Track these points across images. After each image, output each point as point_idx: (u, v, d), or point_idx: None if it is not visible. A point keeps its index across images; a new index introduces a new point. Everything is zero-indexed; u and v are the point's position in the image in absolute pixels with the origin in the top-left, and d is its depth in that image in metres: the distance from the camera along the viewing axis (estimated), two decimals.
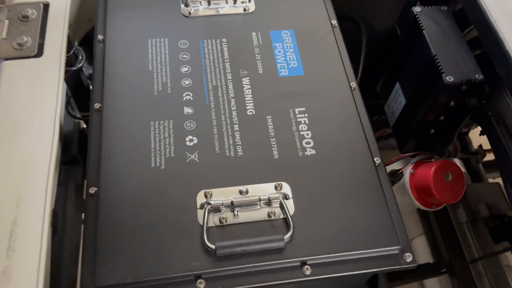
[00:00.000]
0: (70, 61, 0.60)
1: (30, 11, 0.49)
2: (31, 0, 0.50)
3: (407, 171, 0.61)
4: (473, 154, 0.93)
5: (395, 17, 0.71)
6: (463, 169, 0.84)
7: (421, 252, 0.79)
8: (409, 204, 0.63)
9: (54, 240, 0.61)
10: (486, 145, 0.91)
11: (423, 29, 0.55)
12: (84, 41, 0.88)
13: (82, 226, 0.47)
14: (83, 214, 0.73)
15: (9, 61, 0.46)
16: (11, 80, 0.45)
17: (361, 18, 0.80)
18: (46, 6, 0.51)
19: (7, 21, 0.48)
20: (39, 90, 0.45)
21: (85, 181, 0.49)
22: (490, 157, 0.92)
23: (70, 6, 0.53)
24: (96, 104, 0.53)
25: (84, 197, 0.68)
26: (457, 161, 0.85)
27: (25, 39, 0.47)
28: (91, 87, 0.72)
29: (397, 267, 0.46)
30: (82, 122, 0.76)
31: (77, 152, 0.71)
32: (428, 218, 0.77)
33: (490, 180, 0.91)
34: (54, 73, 0.45)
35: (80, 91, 0.69)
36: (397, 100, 0.63)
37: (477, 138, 0.89)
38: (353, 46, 0.80)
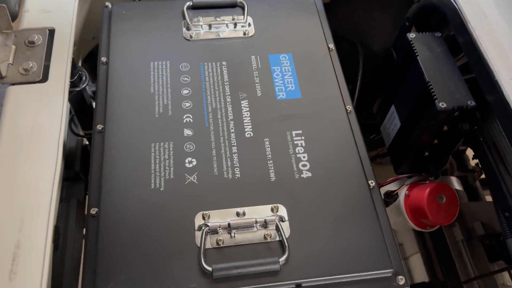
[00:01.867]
0: (74, 82, 0.61)
1: (36, 37, 0.51)
2: (37, 26, 0.52)
3: (402, 192, 0.63)
4: (470, 172, 0.94)
5: (391, 40, 0.72)
6: (459, 188, 0.86)
7: (417, 270, 0.80)
8: (404, 225, 0.64)
9: (56, 256, 0.62)
10: None
11: (417, 55, 0.56)
12: (88, 58, 0.90)
13: (83, 244, 0.49)
14: (84, 230, 0.75)
15: (15, 86, 0.48)
16: (17, 104, 0.46)
17: (358, 40, 0.82)
18: (52, 32, 0.52)
19: (14, 47, 0.50)
20: (44, 115, 0.46)
21: (87, 200, 0.51)
22: None
23: (75, 28, 0.55)
24: (98, 125, 0.54)
25: (86, 217, 0.69)
26: (453, 180, 0.86)
27: (31, 65, 0.49)
28: (94, 106, 0.74)
29: None
30: (85, 139, 0.78)
31: (79, 169, 0.72)
32: (424, 237, 0.78)
33: (487, 198, 0.92)
34: (59, 98, 0.47)
35: (83, 110, 0.71)
36: (392, 122, 0.64)
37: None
38: (350, 67, 0.82)
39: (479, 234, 0.78)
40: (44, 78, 0.49)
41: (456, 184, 0.85)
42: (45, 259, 0.38)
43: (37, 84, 0.48)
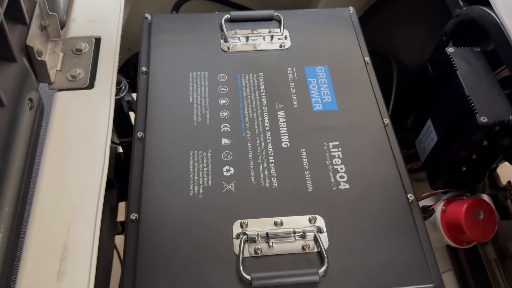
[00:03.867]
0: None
1: (83, 45, 0.53)
2: (84, 35, 0.54)
3: (439, 207, 0.62)
4: (501, 190, 0.92)
5: (425, 55, 0.72)
6: (492, 205, 0.84)
7: None
8: (439, 241, 0.63)
9: None
10: None
11: (457, 69, 0.56)
12: (123, 68, 0.92)
13: (121, 252, 0.49)
14: (115, 237, 0.76)
15: (63, 91, 0.49)
16: (65, 109, 0.48)
17: (391, 55, 0.82)
18: (98, 41, 0.54)
19: (61, 54, 0.52)
20: (90, 120, 0.47)
21: (122, 204, 0.51)
22: None
23: (120, 37, 0.57)
24: (139, 133, 0.56)
25: (121, 220, 0.70)
26: (485, 197, 0.85)
27: (78, 71, 0.50)
28: (132, 116, 0.76)
29: None
30: (119, 147, 0.79)
31: (113, 176, 0.74)
32: (457, 254, 0.77)
33: None
34: (105, 104, 0.48)
35: (120, 118, 0.72)
36: (429, 137, 0.64)
37: (505, 174, 0.89)
38: (383, 81, 0.82)
39: None
40: (91, 85, 0.50)
41: (488, 202, 0.84)
42: (92, 261, 0.39)
43: (84, 91, 0.49)
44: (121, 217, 0.77)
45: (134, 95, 0.70)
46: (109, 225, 0.71)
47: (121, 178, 0.75)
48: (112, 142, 0.76)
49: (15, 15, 0.44)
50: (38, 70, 0.47)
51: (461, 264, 0.75)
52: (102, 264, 0.66)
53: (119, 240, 0.69)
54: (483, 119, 0.52)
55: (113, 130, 0.76)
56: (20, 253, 0.38)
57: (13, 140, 0.39)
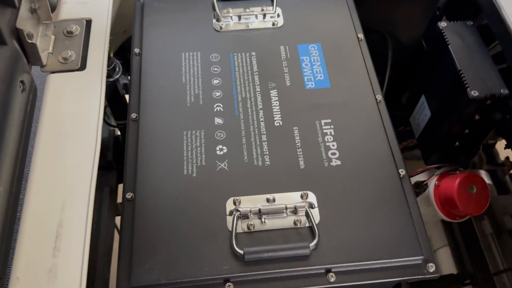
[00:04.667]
0: (108, 72, 0.63)
1: (74, 27, 0.53)
2: (75, 17, 0.54)
3: (432, 182, 0.62)
4: (499, 166, 0.93)
5: (421, 31, 0.72)
6: (489, 181, 0.84)
7: (445, 263, 0.79)
8: (433, 215, 0.63)
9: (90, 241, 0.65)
10: None
11: (449, 44, 0.56)
12: (119, 51, 0.92)
13: (119, 229, 0.50)
14: (115, 218, 0.77)
15: (55, 74, 0.50)
16: (57, 92, 0.48)
17: (387, 31, 0.81)
18: (89, 22, 0.54)
19: (53, 37, 0.52)
20: (83, 101, 0.48)
21: (122, 186, 0.52)
22: None
23: (111, 18, 0.57)
24: (133, 114, 0.56)
25: (121, 201, 0.71)
26: (483, 173, 0.85)
27: (69, 54, 0.51)
28: (126, 97, 0.76)
29: (420, 276, 0.47)
30: (116, 129, 0.80)
31: (112, 158, 0.75)
32: (452, 229, 0.77)
33: None
34: (96, 85, 0.49)
35: (116, 100, 0.73)
36: (422, 113, 0.64)
37: (503, 149, 0.89)
38: (379, 58, 0.81)
39: (508, 227, 0.77)
40: (82, 67, 0.50)
41: (485, 177, 0.84)
42: (86, 237, 0.40)
43: (75, 72, 0.50)
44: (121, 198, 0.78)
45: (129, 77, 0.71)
46: (109, 207, 0.72)
47: (120, 160, 0.76)
48: (109, 124, 0.77)
49: None
50: (30, 53, 0.47)
51: (456, 239, 0.75)
52: (103, 243, 0.67)
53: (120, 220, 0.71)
54: (474, 93, 0.52)
55: (110, 113, 0.77)
56: (17, 231, 0.39)
57: (6, 122, 0.40)
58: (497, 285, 0.69)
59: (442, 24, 0.58)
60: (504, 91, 0.52)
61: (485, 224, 0.79)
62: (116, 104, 0.74)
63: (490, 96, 0.52)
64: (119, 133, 0.81)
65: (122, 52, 0.93)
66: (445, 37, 0.57)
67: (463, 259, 0.74)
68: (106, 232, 0.70)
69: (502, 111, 0.54)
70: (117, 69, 0.66)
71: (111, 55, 0.82)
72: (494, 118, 0.55)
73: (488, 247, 0.75)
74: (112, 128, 0.78)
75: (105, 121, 0.76)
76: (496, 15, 0.54)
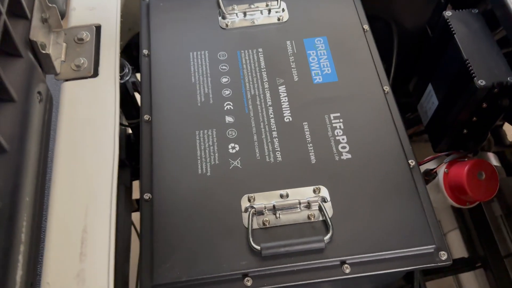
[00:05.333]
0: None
1: (85, 34, 0.54)
2: (84, 24, 0.55)
3: (441, 170, 0.63)
4: (508, 147, 0.93)
5: (426, 17, 0.72)
6: (497, 163, 0.85)
7: (456, 246, 0.80)
8: (443, 202, 0.65)
9: None
10: None
11: (454, 33, 0.56)
12: (125, 50, 0.93)
13: (138, 229, 0.52)
14: (132, 214, 0.79)
15: (69, 81, 0.51)
16: (72, 99, 0.50)
17: (392, 18, 0.81)
18: (98, 28, 0.55)
19: (64, 44, 0.53)
20: (98, 108, 0.49)
21: (136, 183, 0.54)
22: None
23: (120, 23, 0.58)
24: (145, 115, 0.57)
25: (140, 202, 0.73)
26: (491, 156, 0.86)
27: (82, 61, 0.52)
28: (138, 97, 0.77)
29: (432, 265, 0.48)
30: (128, 128, 0.81)
31: (125, 157, 0.76)
32: (462, 213, 0.79)
33: None
34: (110, 91, 0.50)
35: (126, 100, 0.74)
36: (430, 101, 0.65)
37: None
38: (385, 46, 0.82)
39: None
40: (95, 73, 0.52)
41: (493, 160, 0.84)
42: (111, 241, 0.42)
43: (89, 79, 0.51)
44: (135, 194, 0.80)
45: (138, 75, 0.71)
46: (125, 204, 0.74)
47: (132, 157, 0.77)
48: (121, 124, 0.78)
49: (16, 10, 0.45)
50: (44, 62, 0.48)
51: (466, 223, 0.77)
52: (122, 241, 0.69)
53: (136, 216, 0.73)
54: (481, 82, 0.52)
55: (121, 113, 0.78)
56: (44, 238, 0.41)
57: (27, 134, 0.41)
58: (508, 267, 0.70)
59: (448, 13, 0.58)
60: (511, 78, 0.52)
61: (494, 206, 0.80)
62: (127, 103, 0.75)
63: (497, 84, 0.52)
64: (130, 131, 0.83)
65: (129, 50, 0.94)
66: (450, 26, 0.57)
67: (474, 243, 0.75)
68: (123, 229, 0.71)
69: (510, 97, 0.55)
70: (126, 70, 0.67)
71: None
72: (502, 105, 0.55)
73: (498, 229, 0.76)
74: (123, 127, 0.79)
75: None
76: (500, 0, 0.54)
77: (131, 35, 0.93)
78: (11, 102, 0.40)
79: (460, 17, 0.58)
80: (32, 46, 0.47)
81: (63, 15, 0.55)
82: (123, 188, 0.75)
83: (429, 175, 0.63)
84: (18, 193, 0.38)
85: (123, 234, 0.71)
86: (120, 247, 0.69)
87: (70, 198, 0.43)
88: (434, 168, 0.63)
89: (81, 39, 0.54)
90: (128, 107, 0.76)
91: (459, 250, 0.77)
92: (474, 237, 0.76)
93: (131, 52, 0.94)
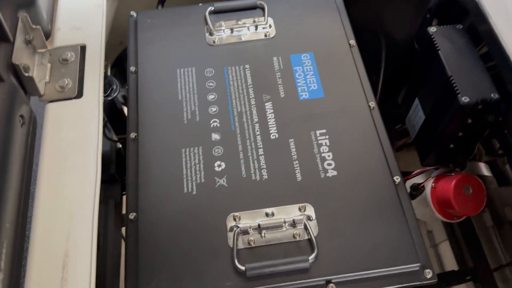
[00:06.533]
0: (105, 91, 0.64)
1: (69, 54, 0.54)
2: (69, 44, 0.55)
3: (429, 184, 0.63)
4: (499, 156, 0.93)
5: (414, 30, 0.72)
6: (488, 173, 0.85)
7: (447, 256, 0.80)
8: (431, 216, 0.65)
9: (98, 255, 0.67)
10: None
11: (439, 49, 0.56)
12: (116, 62, 0.93)
13: (125, 246, 0.52)
14: (122, 229, 0.79)
15: (53, 103, 0.51)
16: (56, 120, 0.50)
17: (380, 31, 0.81)
18: (83, 48, 0.55)
19: (49, 65, 0.53)
20: (81, 129, 0.49)
21: (124, 205, 0.54)
22: None
23: (105, 43, 0.58)
24: (132, 133, 0.57)
25: (125, 221, 0.73)
26: (482, 166, 0.86)
27: (66, 82, 0.52)
28: (125, 112, 0.77)
29: (418, 283, 0.49)
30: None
31: (115, 171, 0.76)
32: (452, 225, 0.79)
33: None
34: (94, 112, 0.50)
35: (115, 116, 0.74)
36: (417, 115, 0.65)
37: None
38: (374, 57, 0.82)
39: (509, 219, 0.78)
40: (79, 94, 0.52)
41: (484, 170, 0.85)
42: (92, 265, 0.42)
43: (73, 100, 0.51)
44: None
45: None
46: (115, 219, 0.74)
47: (122, 172, 0.78)
48: (111, 139, 0.78)
49: None
50: (27, 85, 0.49)
51: (456, 234, 0.77)
52: (111, 259, 0.69)
53: None
54: (465, 99, 0.52)
55: (110, 129, 0.78)
56: (25, 264, 0.41)
57: (8, 159, 0.41)
58: (497, 280, 0.70)
59: (432, 29, 0.58)
60: (495, 95, 0.52)
61: (485, 216, 0.80)
62: (116, 119, 0.75)
63: (481, 101, 0.52)
64: (120, 145, 0.83)
65: (120, 63, 0.94)
66: (435, 42, 0.57)
67: (464, 255, 0.75)
68: (113, 244, 0.72)
69: (494, 114, 0.55)
70: (114, 86, 0.68)
71: (108, 69, 0.83)
72: (487, 120, 0.55)
73: (489, 240, 0.76)
74: (113, 142, 0.79)
75: (106, 136, 0.77)
76: (482, 18, 0.54)
77: (122, 48, 0.93)
78: None
79: (444, 33, 0.58)
80: (15, 70, 0.47)
81: (48, 35, 0.55)
82: (113, 203, 0.75)
83: (417, 190, 0.63)
84: None
85: (113, 249, 0.71)
86: (110, 262, 0.69)
87: (52, 223, 0.43)
88: (422, 183, 0.64)
89: (66, 60, 0.54)
90: (117, 122, 0.77)
91: (450, 260, 0.77)
92: (464, 249, 0.76)
93: (122, 65, 0.95)
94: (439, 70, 0.56)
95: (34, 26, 0.51)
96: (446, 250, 0.81)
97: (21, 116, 0.45)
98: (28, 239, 0.42)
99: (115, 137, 0.78)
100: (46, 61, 0.53)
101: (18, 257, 0.39)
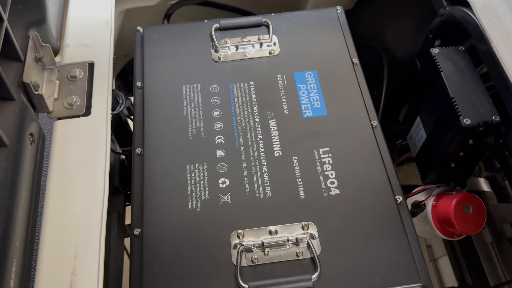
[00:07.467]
0: (113, 109, 0.65)
1: (78, 71, 0.55)
2: (78, 61, 0.56)
3: (429, 202, 0.64)
4: (499, 172, 0.94)
5: (415, 49, 0.73)
6: (488, 189, 0.86)
7: (447, 272, 0.81)
8: (431, 233, 0.65)
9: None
10: None
11: (441, 71, 0.57)
12: (121, 74, 0.94)
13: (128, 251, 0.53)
14: (124, 240, 0.80)
15: (61, 120, 0.52)
16: (64, 138, 0.50)
17: (382, 47, 0.82)
18: (91, 65, 0.56)
19: (58, 82, 0.54)
20: (89, 146, 0.50)
21: (131, 219, 0.55)
22: None
23: (113, 60, 0.59)
24: (138, 149, 0.58)
25: (130, 237, 0.74)
26: (482, 181, 0.86)
27: (74, 99, 0.53)
28: (130, 124, 0.78)
29: None
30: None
31: (118, 183, 0.77)
32: (451, 241, 0.79)
33: None
34: (102, 130, 0.51)
35: (120, 129, 0.75)
36: (419, 134, 0.66)
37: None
38: (375, 74, 0.83)
39: (509, 236, 0.79)
40: (87, 112, 0.52)
41: (484, 185, 0.85)
42: (99, 283, 0.42)
43: (81, 118, 0.52)
44: (128, 220, 0.81)
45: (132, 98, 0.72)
46: (118, 231, 0.75)
47: (126, 183, 0.78)
48: (115, 152, 0.79)
49: (9, 53, 0.46)
50: (37, 102, 0.49)
51: (455, 250, 0.77)
52: (114, 270, 0.70)
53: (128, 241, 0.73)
54: (466, 121, 0.53)
55: (114, 141, 0.79)
56: (33, 281, 0.42)
57: (18, 177, 0.42)
58: None
59: (435, 50, 0.59)
60: (496, 118, 0.53)
61: (485, 233, 0.80)
62: (121, 132, 0.76)
63: (482, 123, 0.53)
64: (124, 157, 0.84)
65: (125, 75, 0.95)
66: (437, 63, 0.58)
67: (463, 271, 0.76)
68: (116, 256, 0.72)
69: (495, 136, 0.56)
70: (120, 101, 0.68)
71: (113, 85, 0.84)
72: (487, 142, 0.56)
73: (489, 257, 0.77)
74: (117, 154, 0.80)
75: (111, 149, 0.78)
76: (483, 40, 0.55)
77: (127, 60, 0.94)
78: (3, 147, 0.41)
79: (446, 54, 0.59)
80: (25, 88, 0.47)
81: (56, 51, 0.56)
82: (116, 215, 0.76)
83: (418, 207, 0.64)
84: (8, 239, 0.39)
85: (115, 261, 0.71)
86: (113, 275, 0.70)
87: (60, 240, 0.44)
88: (423, 201, 0.64)
89: (74, 77, 0.54)
90: (122, 134, 0.77)
91: (450, 277, 0.78)
92: (463, 265, 0.76)
93: (126, 77, 0.96)
94: (441, 91, 0.57)
95: (44, 44, 0.52)
96: (445, 265, 0.82)
97: (31, 134, 0.46)
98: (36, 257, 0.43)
99: (119, 149, 0.79)
100: (54, 77, 0.54)
101: (27, 275, 0.40)
